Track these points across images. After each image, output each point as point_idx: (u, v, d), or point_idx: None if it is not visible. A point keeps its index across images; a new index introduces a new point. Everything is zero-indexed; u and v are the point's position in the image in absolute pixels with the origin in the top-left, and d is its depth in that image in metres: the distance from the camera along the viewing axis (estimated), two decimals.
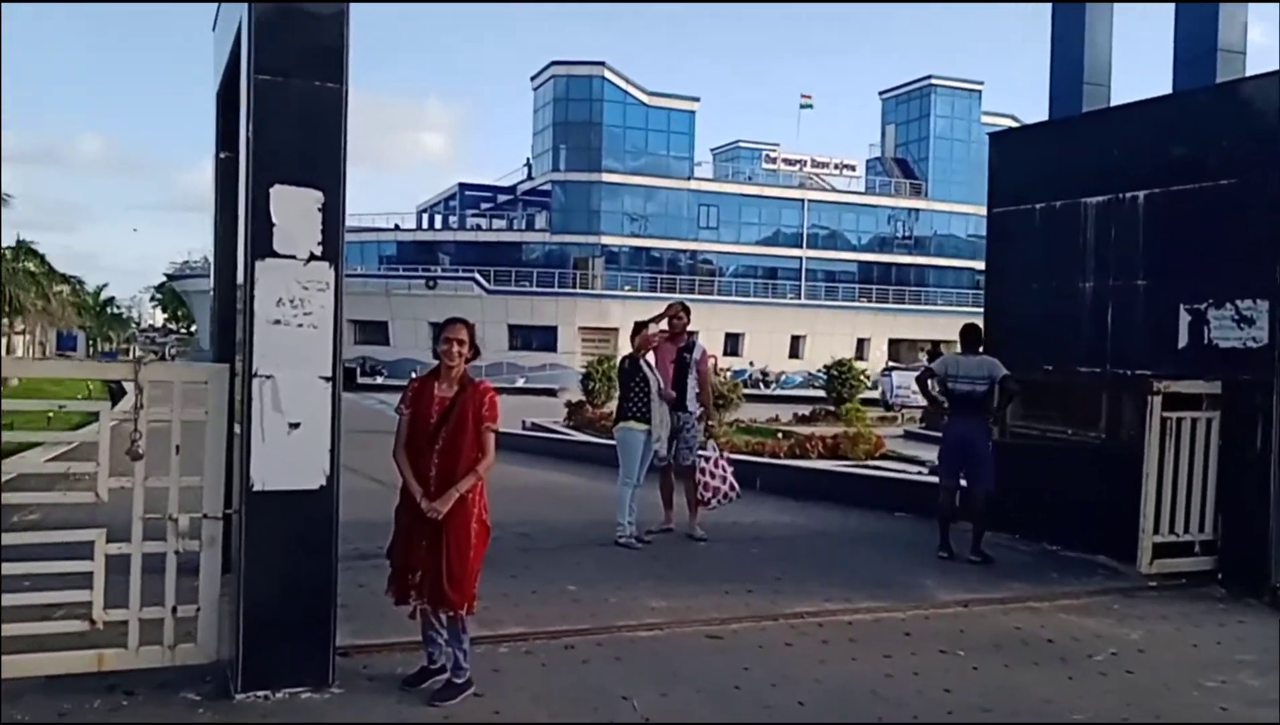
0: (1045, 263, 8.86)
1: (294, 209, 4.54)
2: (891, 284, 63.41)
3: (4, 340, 45.40)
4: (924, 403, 8.35)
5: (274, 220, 4.51)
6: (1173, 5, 8.52)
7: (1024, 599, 6.92)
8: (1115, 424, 8.18)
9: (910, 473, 15.70)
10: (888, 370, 44.69)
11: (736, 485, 8.66)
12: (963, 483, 8.26)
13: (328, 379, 4.61)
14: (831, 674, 5.26)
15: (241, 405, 4.54)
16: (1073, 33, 8.77)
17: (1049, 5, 9.25)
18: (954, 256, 65.22)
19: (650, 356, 8.48)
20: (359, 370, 47.68)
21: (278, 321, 4.52)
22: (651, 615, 6.19)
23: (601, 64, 57.84)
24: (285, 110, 4.54)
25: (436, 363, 4.90)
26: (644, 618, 6.12)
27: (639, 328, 8.48)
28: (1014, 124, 67.72)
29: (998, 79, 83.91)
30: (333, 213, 4.60)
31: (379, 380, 46.65)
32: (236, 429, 4.64)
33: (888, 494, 11.04)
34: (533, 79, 61.80)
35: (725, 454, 8.91)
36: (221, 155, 6.63)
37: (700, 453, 8.60)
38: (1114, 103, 8.76)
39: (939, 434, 26.46)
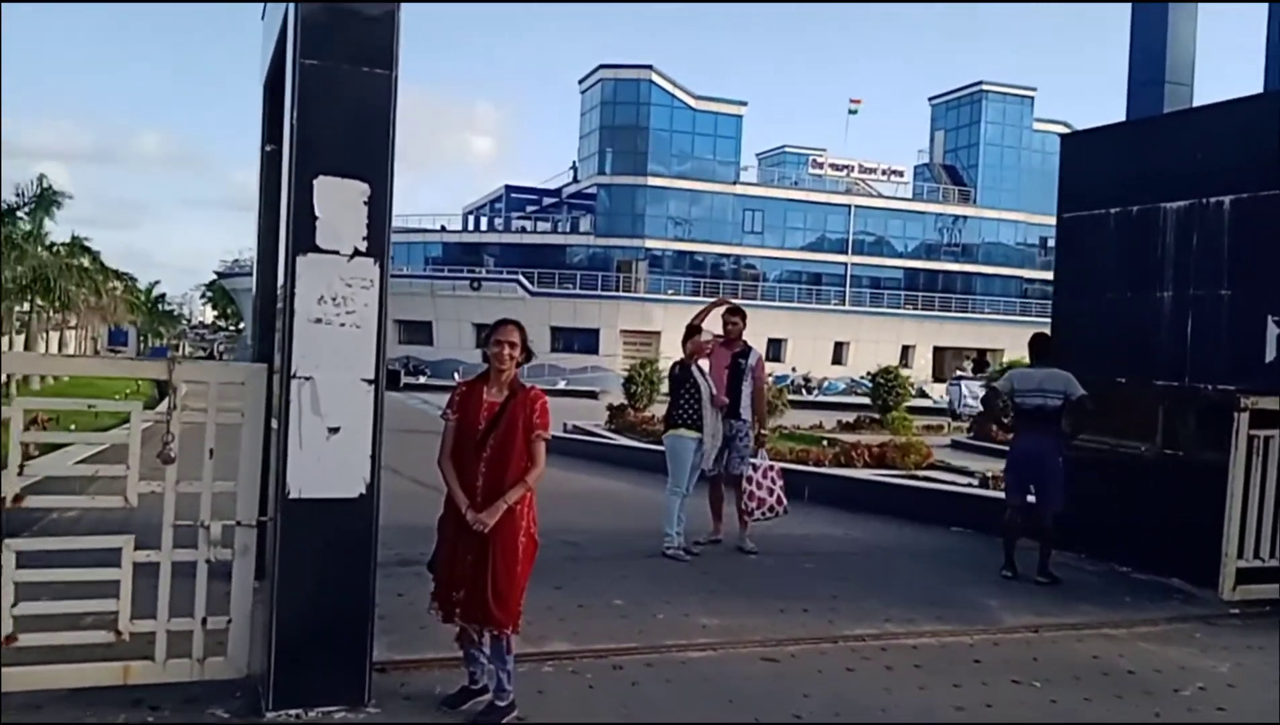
0: (1120, 271, 8.43)
1: (338, 202, 4.29)
2: (938, 291, 62.54)
3: (57, 335, 46.10)
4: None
5: (317, 213, 4.27)
6: (1265, 5, 8.07)
7: (1098, 625, 6.52)
8: (1194, 440, 7.73)
9: (961, 484, 15.32)
10: (956, 379, 44.02)
11: (784, 499, 8.32)
12: (1030, 499, 7.85)
13: (370, 382, 4.36)
14: (899, 704, 4.92)
15: (279, 408, 4.31)
16: (1154, 30, 8.34)
17: (1115, 5, 8.84)
18: (1002, 264, 64.25)
19: (704, 362, 8.17)
20: (403, 371, 47.83)
21: (319, 320, 4.28)
22: (703, 634, 5.88)
23: (649, 67, 57.66)
24: (332, 97, 4.30)
25: (485, 366, 4.64)
26: (695, 637, 5.81)
27: (691, 331, 8.18)
28: (1065, 131, 66.62)
29: (1050, 86, 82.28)
30: (379, 207, 4.35)
31: (422, 380, 46.79)
32: (275, 431, 4.41)
33: (943, 507, 10.63)
34: (580, 82, 61.80)
35: (776, 465, 8.58)
36: (267, 148, 6.43)
37: (750, 461, 8.29)
38: (1195, 104, 8.31)
39: (987, 444, 25.87)
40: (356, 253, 4.30)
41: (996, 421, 8.12)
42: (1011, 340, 60.63)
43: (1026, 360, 8.41)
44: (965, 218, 64.06)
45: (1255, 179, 7.39)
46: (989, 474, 16.27)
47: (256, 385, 4.56)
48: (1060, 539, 7.81)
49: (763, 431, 8.77)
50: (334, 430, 4.32)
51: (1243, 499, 6.85)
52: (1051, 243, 53.49)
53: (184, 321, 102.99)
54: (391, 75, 4.33)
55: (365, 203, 4.31)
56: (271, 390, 4.53)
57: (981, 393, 48.05)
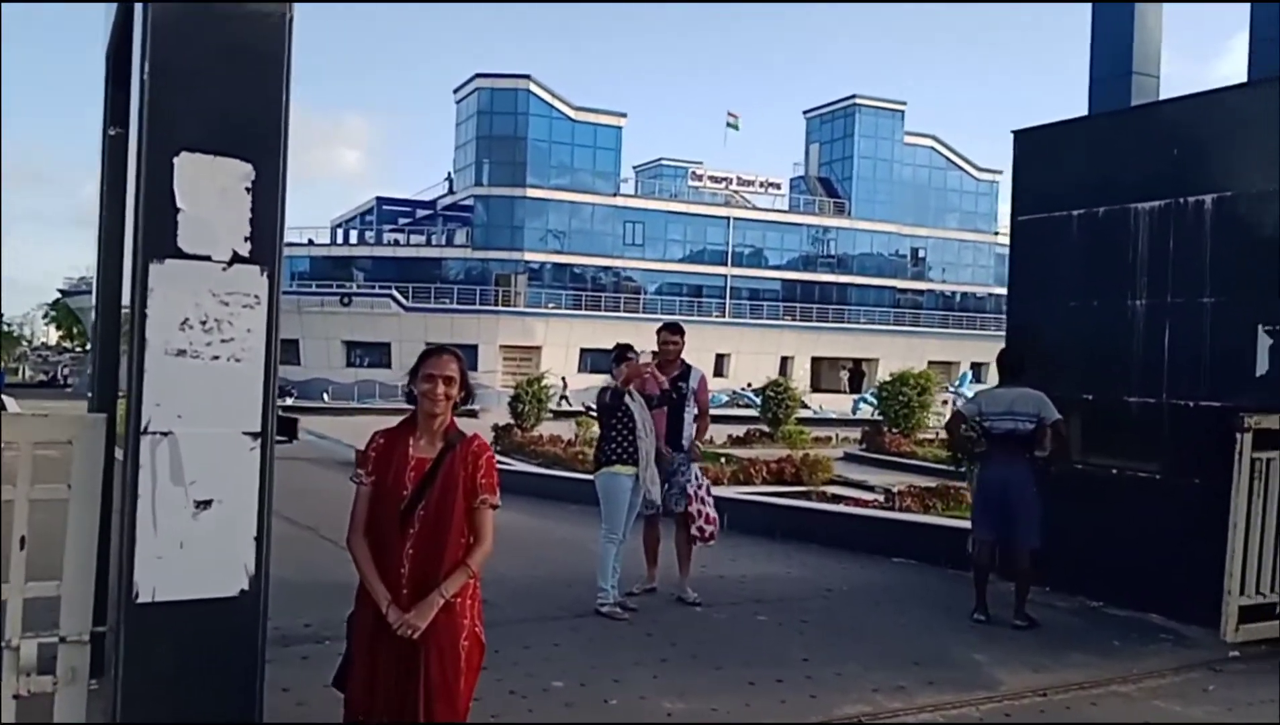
0: (1085, 278, 7.79)
1: (210, 188, 3.10)
2: (815, 302, 63.08)
3: None
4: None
5: (180, 204, 3.07)
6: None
7: (1104, 682, 5.73)
8: (1176, 462, 7.11)
9: (867, 501, 14.69)
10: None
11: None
12: (993, 535, 7.05)
13: (255, 436, 3.17)
14: None
15: (124, 475, 3.08)
16: (1119, 17, 7.74)
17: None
18: (875, 275, 65.31)
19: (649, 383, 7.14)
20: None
21: (181, 352, 3.07)
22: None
23: (527, 77, 56.44)
24: (200, 43, 3.11)
25: (409, 411, 3.50)
26: None
27: (623, 352, 7.14)
28: (935, 145, 68.43)
29: (920, 99, 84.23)
30: (268, 196, 3.16)
31: (288, 402, 44.23)
32: (118, 507, 3.17)
33: (880, 536, 9.82)
34: (455, 91, 60.06)
35: (706, 482, 7.68)
36: (111, 131, 5.08)
37: (690, 480, 7.33)
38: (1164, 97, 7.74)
39: (879, 456, 25.62)
40: (236, 259, 3.11)
41: (963, 449, 7.27)
42: (886, 350, 61.76)
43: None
44: (839, 229, 64.88)
45: (1243, 176, 6.82)
46: (894, 489, 15.81)
47: (90, 444, 3.30)
48: (1037, 577, 7.07)
49: (696, 443, 7.80)
50: (203, 504, 3.11)
51: (1245, 530, 6.19)
52: (923, 255, 54.93)
53: (24, 343, 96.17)
54: (286, 14, 3.16)
55: (248, 190, 3.12)
56: (113, 450, 3.28)
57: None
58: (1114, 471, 7.51)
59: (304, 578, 7.75)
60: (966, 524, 9.85)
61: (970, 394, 42.01)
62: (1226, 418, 6.76)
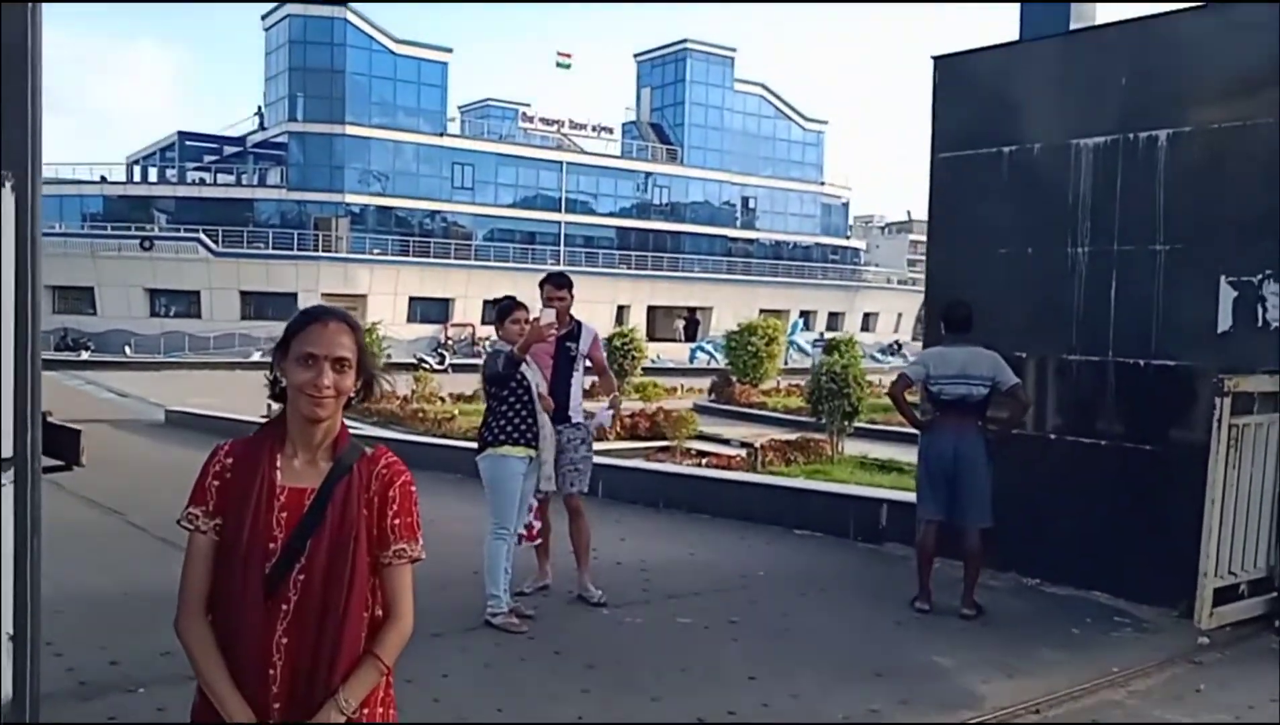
0: (1017, 223, 7.00)
1: None
2: (650, 251, 62.42)
3: None
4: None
5: None
6: None
7: (1091, 688, 4.97)
8: (1123, 427, 6.46)
9: (731, 455, 13.98)
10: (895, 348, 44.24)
11: None
12: (940, 513, 6.24)
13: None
14: None
15: None
16: None
17: None
18: (708, 224, 65.21)
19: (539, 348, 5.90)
20: (64, 346, 41.03)
21: None
22: None
23: (343, 3, 52.56)
24: None
25: (270, 412, 2.21)
26: None
27: (509, 308, 5.89)
28: (765, 94, 68.52)
29: (750, 49, 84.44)
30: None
31: (85, 356, 40.15)
32: None
33: (776, 504, 8.96)
34: (264, 18, 55.48)
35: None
36: None
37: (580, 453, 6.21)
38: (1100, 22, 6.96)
39: (730, 407, 25.18)
40: None
41: (908, 416, 6.39)
42: (720, 298, 61.86)
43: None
44: (672, 176, 64.31)
45: (1203, 108, 6.12)
46: (756, 444, 15.16)
47: None
48: (942, 544, 6.27)
49: (617, 396, 6.75)
50: None
51: (1220, 504, 5.56)
52: (753, 204, 55.09)
53: None
54: None
55: None
56: None
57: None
58: (1052, 437, 6.82)
59: (110, 587, 6.24)
60: (870, 492, 9.19)
61: (802, 342, 42.52)
62: (1186, 378, 6.15)
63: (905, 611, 6.12)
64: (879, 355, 47.61)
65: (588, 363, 6.45)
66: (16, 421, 1.83)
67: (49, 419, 2.14)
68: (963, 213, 7.36)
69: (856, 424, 14.88)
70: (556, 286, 6.36)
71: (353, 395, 2.13)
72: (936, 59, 7.48)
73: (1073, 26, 6.83)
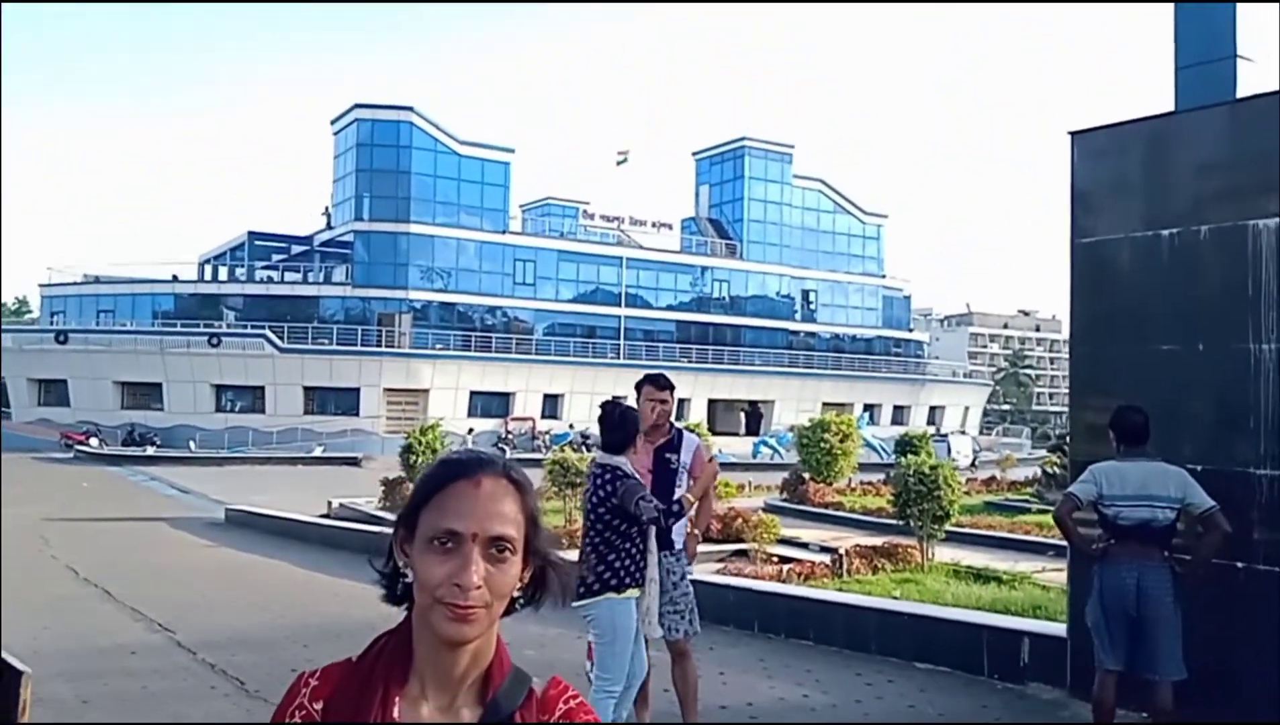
0: (1181, 315, 6.15)
1: None
2: (710, 344, 61.97)
3: None
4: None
5: None
6: None
7: None
8: None
9: (814, 561, 12.98)
10: (941, 436, 43.19)
11: None
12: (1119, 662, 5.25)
13: None
14: None
15: None
16: None
17: None
18: (768, 317, 64.69)
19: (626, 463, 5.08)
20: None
21: None
22: None
23: (410, 109, 53.85)
24: None
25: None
26: None
27: (627, 416, 5.08)
28: (824, 188, 68.40)
29: (808, 144, 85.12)
30: None
31: (150, 451, 40.30)
32: None
33: (889, 631, 7.99)
34: (333, 122, 57.01)
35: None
36: None
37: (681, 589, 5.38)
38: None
39: (802, 507, 23.96)
40: None
41: (1079, 543, 5.46)
42: (781, 391, 60.98)
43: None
44: (731, 271, 64.14)
45: None
46: (839, 549, 14.11)
47: None
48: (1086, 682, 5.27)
49: (695, 534, 5.85)
50: None
51: None
52: (813, 297, 54.54)
53: None
54: None
55: None
56: None
57: (969, 448, 46.06)
58: (1239, 565, 5.83)
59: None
60: (1009, 622, 8.05)
61: (869, 437, 40.96)
62: None
63: None
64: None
65: (690, 480, 5.60)
66: None
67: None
68: (1113, 304, 6.54)
69: (946, 528, 13.84)
70: (659, 387, 5.62)
71: (517, 596, 1.37)
72: (1074, 134, 6.75)
73: (1240, 92, 6.04)
